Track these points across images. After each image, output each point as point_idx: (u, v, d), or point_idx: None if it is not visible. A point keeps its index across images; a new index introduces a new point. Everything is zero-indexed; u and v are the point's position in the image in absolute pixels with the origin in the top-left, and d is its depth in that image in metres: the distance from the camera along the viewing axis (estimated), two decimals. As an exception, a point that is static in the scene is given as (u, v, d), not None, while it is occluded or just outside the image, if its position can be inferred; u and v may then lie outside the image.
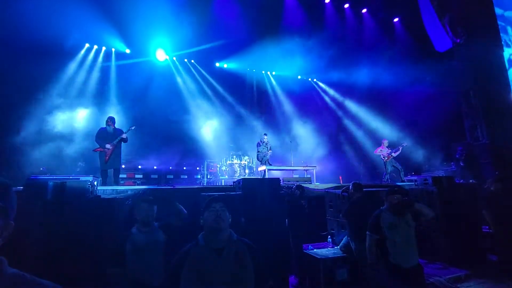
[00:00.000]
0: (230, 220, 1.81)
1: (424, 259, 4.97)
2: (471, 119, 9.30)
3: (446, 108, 10.35)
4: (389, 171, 8.58)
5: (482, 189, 5.65)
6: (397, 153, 8.58)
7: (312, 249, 4.48)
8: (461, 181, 7.78)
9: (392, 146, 8.90)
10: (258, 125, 11.98)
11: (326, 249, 4.54)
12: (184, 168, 10.32)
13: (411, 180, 7.11)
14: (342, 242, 4.38)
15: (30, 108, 8.17)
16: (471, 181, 7.57)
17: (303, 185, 5.97)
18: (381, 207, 3.24)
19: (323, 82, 14.27)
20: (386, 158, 8.56)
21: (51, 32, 7.99)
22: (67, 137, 8.57)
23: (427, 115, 11.01)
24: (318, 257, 4.03)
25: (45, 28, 7.78)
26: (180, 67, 11.67)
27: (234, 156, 10.43)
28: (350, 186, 4.37)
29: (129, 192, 4.51)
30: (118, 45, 10.34)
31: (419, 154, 10.68)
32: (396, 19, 11.78)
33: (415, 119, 11.43)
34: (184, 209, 2.92)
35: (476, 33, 9.18)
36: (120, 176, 7.71)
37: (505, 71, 9.47)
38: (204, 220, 1.77)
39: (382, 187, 5.32)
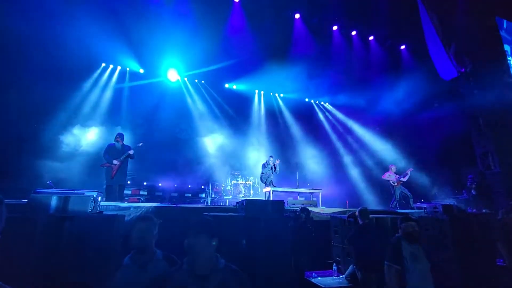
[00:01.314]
0: (215, 244, 1.64)
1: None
2: (482, 147, 9.12)
3: (455, 134, 10.22)
4: (398, 197, 8.36)
5: (495, 220, 5.40)
6: (406, 177, 8.41)
7: (316, 277, 4.28)
8: (474, 210, 7.48)
9: (399, 172, 8.73)
10: (264, 146, 12.00)
11: (331, 277, 4.34)
12: (189, 186, 10.28)
13: (420, 208, 6.88)
14: (347, 271, 4.18)
15: (48, 123, 8.49)
16: (484, 210, 7.26)
17: (308, 208, 5.85)
18: (397, 235, 2.97)
19: (330, 106, 14.40)
20: (396, 184, 8.37)
21: (69, 50, 8.43)
22: (86, 154, 8.79)
23: (436, 141, 10.86)
24: (322, 285, 3.84)
25: (64, 47, 8.23)
26: (190, 88, 12.02)
27: (240, 176, 10.38)
28: (357, 212, 4.25)
29: (131, 209, 4.49)
30: (132, 65, 10.79)
31: (428, 181, 10.41)
32: (403, 46, 12.03)
33: (424, 145, 11.28)
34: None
35: (483, 62, 9.25)
36: (125, 192, 7.73)
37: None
38: (187, 247, 1.60)
39: (389, 214, 5.15)
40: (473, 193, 8.15)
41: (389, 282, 2.71)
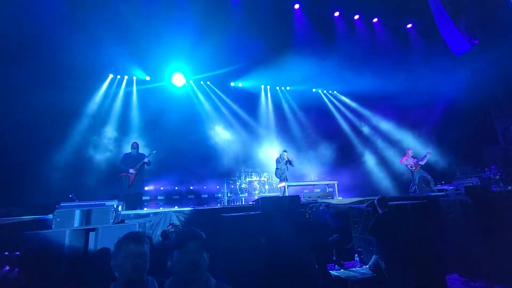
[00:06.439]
0: (207, 261, 1.37)
1: (463, 276, 4.56)
2: (503, 121, 8.75)
3: (473, 111, 9.82)
4: (417, 181, 8.14)
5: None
6: (424, 161, 8.19)
7: (339, 269, 4.26)
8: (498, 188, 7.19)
9: (416, 156, 8.49)
10: (275, 141, 11.96)
11: (353, 268, 4.30)
12: (205, 187, 10.43)
13: (441, 190, 6.68)
14: (371, 261, 4.13)
15: (64, 137, 8.76)
16: (509, 187, 6.97)
17: (325, 200, 5.81)
18: None
19: (339, 93, 14.14)
20: (414, 168, 8.16)
21: (77, 60, 8.57)
22: (103, 163, 9.02)
23: (453, 120, 10.49)
24: (346, 278, 3.81)
25: (71, 56, 8.39)
26: (197, 90, 12.10)
27: (253, 173, 10.41)
28: (375, 201, 4.18)
29: (151, 216, 4.59)
30: (139, 74, 10.96)
31: (448, 162, 10.09)
32: (409, 25, 11.59)
33: (441, 125, 10.91)
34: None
35: (496, 32, 8.79)
36: (144, 198, 7.93)
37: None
38: (174, 264, 1.32)
39: (409, 200, 5.03)
40: (501, 185, 7.52)
41: None
